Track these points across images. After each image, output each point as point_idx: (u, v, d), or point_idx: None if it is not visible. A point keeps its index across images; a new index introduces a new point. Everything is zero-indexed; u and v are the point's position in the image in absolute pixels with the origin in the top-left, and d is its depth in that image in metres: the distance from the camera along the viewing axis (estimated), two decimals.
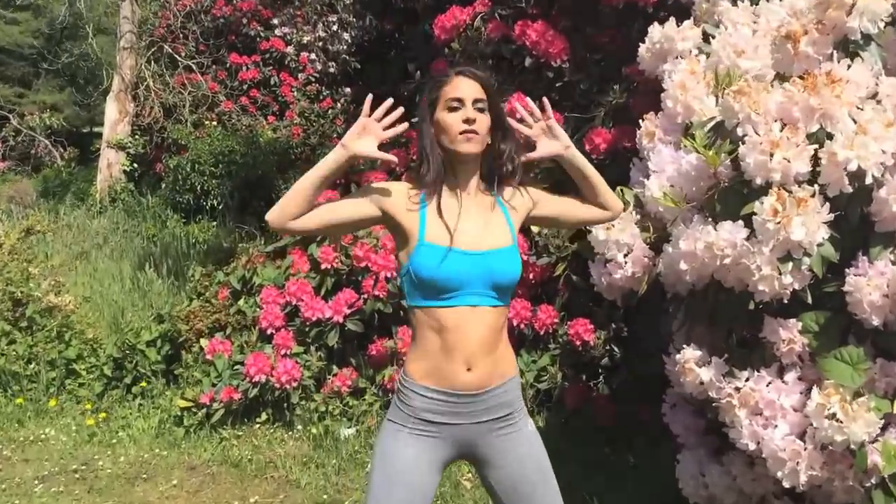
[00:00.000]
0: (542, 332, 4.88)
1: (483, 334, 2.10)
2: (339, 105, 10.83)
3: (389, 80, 9.07)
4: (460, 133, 2.10)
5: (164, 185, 10.82)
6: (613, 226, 2.94)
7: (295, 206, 2.08)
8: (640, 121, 3.25)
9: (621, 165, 4.25)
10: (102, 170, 11.85)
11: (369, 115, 2.12)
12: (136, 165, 11.94)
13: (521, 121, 2.28)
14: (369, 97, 2.15)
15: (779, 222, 2.23)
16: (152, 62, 11.81)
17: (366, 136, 2.11)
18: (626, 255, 2.99)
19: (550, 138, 2.24)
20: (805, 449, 2.37)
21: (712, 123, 2.63)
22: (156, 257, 8.67)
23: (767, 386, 2.47)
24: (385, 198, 2.14)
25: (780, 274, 2.27)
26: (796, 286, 2.31)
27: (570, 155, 2.24)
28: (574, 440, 4.57)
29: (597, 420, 4.64)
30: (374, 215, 2.16)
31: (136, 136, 11.94)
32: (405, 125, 2.16)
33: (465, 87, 2.13)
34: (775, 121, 2.42)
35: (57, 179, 13.94)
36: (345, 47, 11.06)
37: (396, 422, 2.17)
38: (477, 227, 2.14)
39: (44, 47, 21.63)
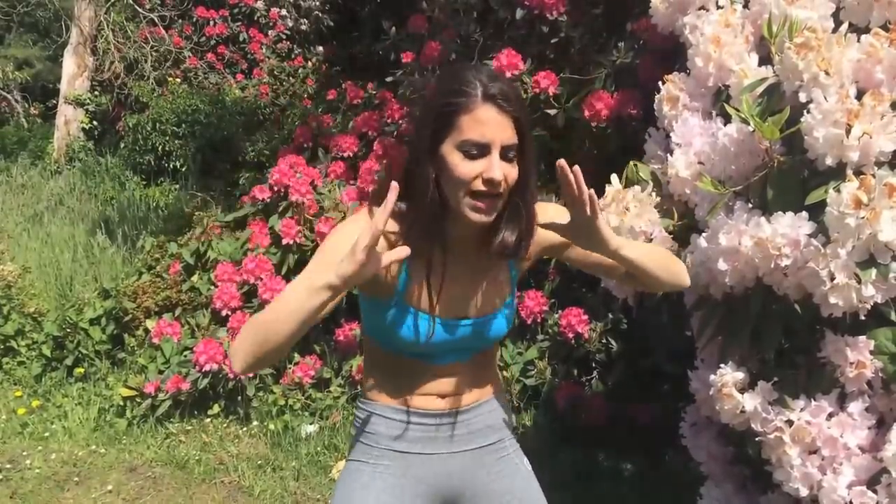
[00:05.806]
0: (528, 321, 4.34)
1: (465, 377, 1.69)
2: (310, 64, 10.19)
3: (363, 38, 8.50)
4: (472, 194, 1.44)
5: (122, 145, 10.20)
6: (628, 210, 2.38)
7: (271, 357, 1.43)
8: (649, 84, 2.65)
9: (625, 134, 3.80)
10: (60, 127, 11.17)
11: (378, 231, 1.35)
12: (95, 123, 11.28)
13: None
14: (379, 218, 1.34)
15: (862, 217, 1.70)
16: (112, 13, 11.08)
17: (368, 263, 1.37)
18: None
19: (589, 233, 1.51)
20: (878, 503, 1.85)
21: (764, 86, 2.09)
22: (112, 222, 8.11)
23: (828, 419, 1.95)
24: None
25: (860, 283, 1.74)
26: (878, 299, 1.77)
27: (617, 257, 1.57)
28: (563, 443, 4.08)
29: (589, 421, 4.11)
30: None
31: (97, 93, 11.27)
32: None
33: (493, 126, 1.42)
34: (852, 84, 1.88)
35: (15, 136, 13.24)
36: (318, 3, 10.37)
37: (358, 459, 1.67)
38: (467, 292, 1.61)
39: None
